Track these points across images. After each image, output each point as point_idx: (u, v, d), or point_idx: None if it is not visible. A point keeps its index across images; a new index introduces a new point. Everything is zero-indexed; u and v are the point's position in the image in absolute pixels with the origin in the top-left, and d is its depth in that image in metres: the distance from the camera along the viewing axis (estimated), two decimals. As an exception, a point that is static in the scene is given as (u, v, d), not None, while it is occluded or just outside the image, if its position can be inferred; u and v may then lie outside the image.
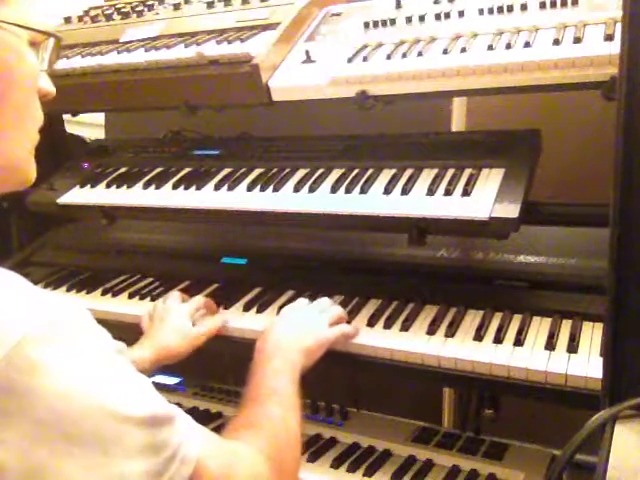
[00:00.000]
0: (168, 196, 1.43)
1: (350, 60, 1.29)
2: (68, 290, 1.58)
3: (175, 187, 1.45)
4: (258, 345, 1.09)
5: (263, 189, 1.34)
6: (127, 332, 1.41)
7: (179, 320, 1.26)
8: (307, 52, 1.34)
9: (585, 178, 1.44)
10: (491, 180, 1.18)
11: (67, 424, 0.57)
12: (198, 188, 1.41)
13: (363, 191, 1.25)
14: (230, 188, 1.38)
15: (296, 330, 1.13)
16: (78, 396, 0.58)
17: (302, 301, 1.25)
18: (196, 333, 1.26)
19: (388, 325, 1.22)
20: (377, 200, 1.22)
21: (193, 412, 1.52)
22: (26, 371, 0.55)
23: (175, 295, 1.35)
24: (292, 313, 1.20)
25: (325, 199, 1.27)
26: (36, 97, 0.72)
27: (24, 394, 0.55)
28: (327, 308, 1.22)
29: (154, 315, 1.30)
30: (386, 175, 1.28)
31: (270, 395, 0.95)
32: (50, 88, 0.74)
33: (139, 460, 0.61)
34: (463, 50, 1.19)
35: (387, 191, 1.23)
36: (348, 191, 1.26)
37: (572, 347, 1.07)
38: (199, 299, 1.35)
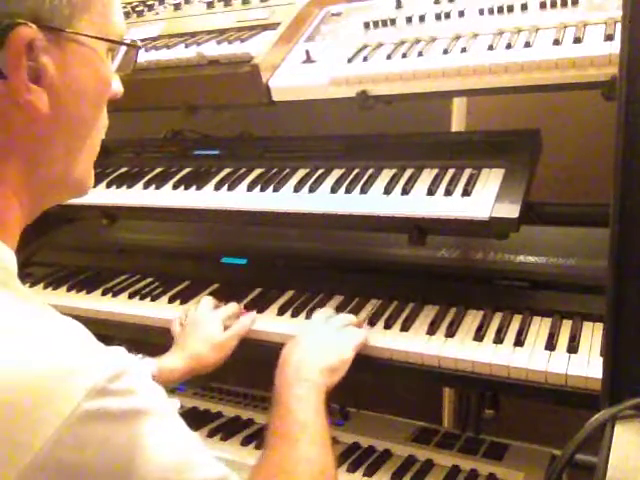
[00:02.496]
0: (168, 196, 1.43)
1: (350, 60, 1.29)
2: (68, 290, 1.58)
3: (175, 187, 1.45)
4: (279, 369, 1.03)
5: (263, 189, 1.34)
6: (128, 332, 1.42)
7: (211, 329, 1.23)
8: (307, 52, 1.34)
9: (585, 178, 1.44)
10: (491, 180, 1.18)
11: None
12: (198, 188, 1.41)
13: (363, 191, 1.25)
14: (230, 188, 1.38)
15: (318, 350, 1.07)
16: (130, 464, 0.54)
17: (319, 318, 1.20)
18: (225, 339, 1.22)
19: (388, 325, 1.22)
20: (377, 200, 1.22)
21: (193, 412, 1.52)
22: (74, 449, 0.52)
23: (208, 300, 1.32)
24: (311, 332, 1.14)
25: (325, 199, 1.27)
26: (105, 106, 0.69)
27: (73, 473, 0.52)
28: (345, 322, 1.18)
29: (186, 322, 1.27)
30: (386, 175, 1.28)
31: (300, 432, 0.89)
32: (119, 89, 0.71)
33: None
34: (463, 50, 1.19)
35: (387, 191, 1.23)
36: (348, 191, 1.26)
37: (572, 347, 1.07)
38: (233, 306, 1.32)
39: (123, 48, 0.69)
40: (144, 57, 1.43)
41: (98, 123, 0.69)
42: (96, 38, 0.63)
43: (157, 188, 1.46)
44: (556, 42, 1.12)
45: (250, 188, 1.36)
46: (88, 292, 1.55)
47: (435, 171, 1.26)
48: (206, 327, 1.23)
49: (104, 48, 0.65)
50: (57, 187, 0.68)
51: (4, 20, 0.55)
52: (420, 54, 1.22)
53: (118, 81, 0.71)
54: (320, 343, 1.09)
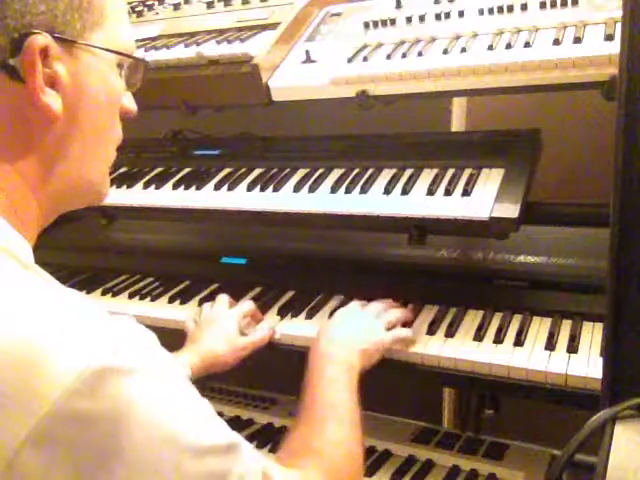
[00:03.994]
0: (168, 196, 1.43)
1: (350, 60, 1.29)
2: (68, 290, 1.58)
3: (175, 187, 1.45)
4: (312, 349, 1.04)
5: (263, 189, 1.34)
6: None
7: (227, 326, 1.22)
8: (307, 52, 1.34)
9: (585, 178, 1.44)
10: (491, 180, 1.18)
11: (128, 451, 0.55)
12: (198, 188, 1.41)
13: (363, 191, 1.25)
14: (230, 188, 1.38)
15: (351, 332, 1.07)
16: (142, 423, 0.56)
17: (354, 305, 1.20)
18: (243, 343, 1.21)
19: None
20: (377, 200, 1.22)
21: (193, 412, 1.52)
22: (89, 398, 0.54)
23: (224, 298, 1.31)
24: (346, 316, 1.14)
25: (325, 199, 1.26)
26: (117, 117, 0.75)
27: (88, 421, 0.54)
28: (382, 313, 1.17)
29: (201, 320, 1.27)
30: (386, 175, 1.28)
31: (328, 412, 0.90)
32: (132, 107, 0.77)
33: None
34: (463, 50, 1.19)
35: (387, 191, 1.23)
36: (348, 191, 1.26)
37: (572, 347, 1.08)
38: (248, 305, 1.31)
39: (127, 63, 0.74)
40: (144, 57, 1.43)
41: (111, 133, 0.75)
42: (106, 50, 0.69)
43: (157, 188, 1.46)
44: (556, 42, 1.12)
45: (250, 188, 1.36)
46: (88, 292, 1.55)
47: (435, 171, 1.26)
48: (222, 324, 1.23)
49: (114, 62, 0.71)
50: (73, 190, 0.73)
51: (21, 30, 0.62)
52: (420, 54, 1.22)
53: (131, 99, 0.78)
54: (355, 327, 1.09)
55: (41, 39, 0.63)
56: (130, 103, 0.77)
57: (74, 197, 0.74)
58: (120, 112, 0.75)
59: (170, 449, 0.58)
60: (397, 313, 1.19)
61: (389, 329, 1.14)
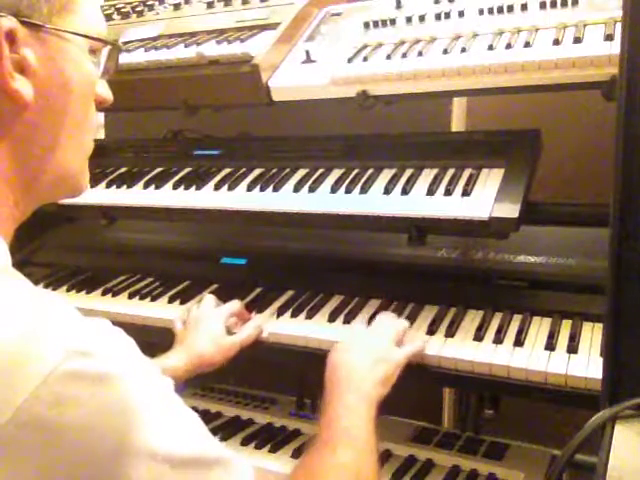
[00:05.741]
0: (168, 196, 1.43)
1: (350, 60, 1.29)
2: (68, 290, 1.58)
3: (175, 187, 1.45)
4: (329, 376, 1.01)
5: (263, 189, 1.34)
6: (127, 332, 1.41)
7: (214, 327, 1.23)
8: (307, 52, 1.34)
9: (585, 178, 1.44)
10: (491, 180, 1.18)
11: (96, 461, 0.54)
12: (198, 188, 1.41)
13: (363, 191, 1.25)
14: (230, 188, 1.38)
15: (367, 359, 1.03)
16: (115, 432, 0.54)
17: (362, 328, 1.16)
18: (230, 343, 1.22)
19: (388, 325, 1.21)
20: (377, 200, 1.22)
21: (193, 412, 1.52)
22: (51, 405, 0.52)
23: (210, 298, 1.32)
24: (358, 339, 1.10)
25: (325, 199, 1.27)
26: (93, 105, 0.72)
27: (52, 430, 0.53)
28: (389, 329, 1.13)
29: (188, 321, 1.27)
30: (386, 175, 1.28)
31: (341, 438, 0.88)
32: (107, 95, 0.75)
33: None
34: (463, 50, 1.19)
35: (387, 191, 1.23)
36: (348, 191, 1.26)
37: (572, 347, 1.07)
38: (234, 304, 1.31)
39: (106, 51, 0.72)
40: (144, 57, 1.44)
41: (87, 121, 0.72)
42: (76, 34, 0.67)
43: (157, 188, 1.46)
44: (556, 42, 1.12)
45: (250, 188, 1.36)
46: (88, 292, 1.55)
47: (435, 171, 1.26)
48: (209, 325, 1.23)
49: (85, 47, 0.69)
50: (49, 180, 0.70)
51: None
52: (420, 54, 1.22)
53: (106, 87, 0.75)
54: (370, 352, 1.05)
55: (6, 22, 0.60)
56: (105, 91, 0.74)
57: (51, 188, 0.71)
58: (95, 101, 0.72)
59: (147, 461, 0.55)
60: (403, 323, 1.16)
61: (399, 341, 1.12)
